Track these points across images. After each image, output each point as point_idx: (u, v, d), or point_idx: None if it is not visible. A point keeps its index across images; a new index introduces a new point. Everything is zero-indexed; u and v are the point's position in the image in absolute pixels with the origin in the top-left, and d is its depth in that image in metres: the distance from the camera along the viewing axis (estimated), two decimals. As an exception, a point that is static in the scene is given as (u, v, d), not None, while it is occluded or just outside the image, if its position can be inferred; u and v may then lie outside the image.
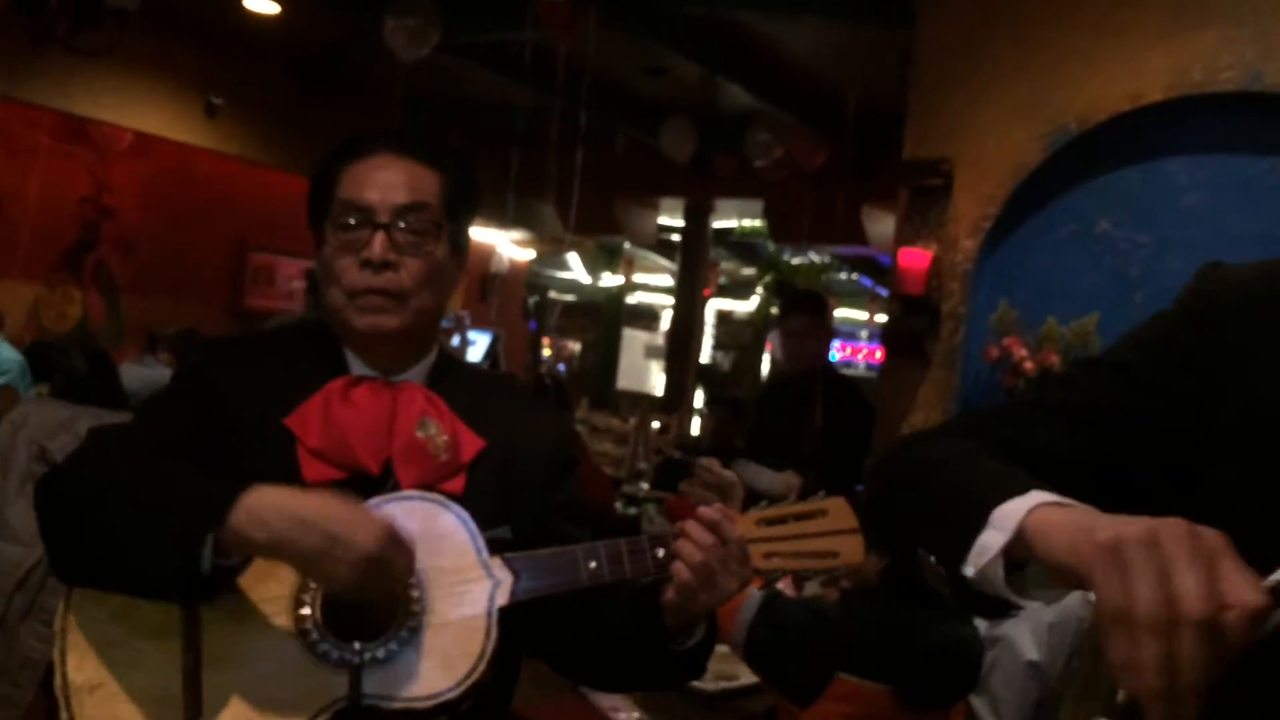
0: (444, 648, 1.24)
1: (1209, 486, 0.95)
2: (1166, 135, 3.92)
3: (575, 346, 14.93)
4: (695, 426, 8.72)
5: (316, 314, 1.95)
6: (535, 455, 1.47)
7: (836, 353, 12.47)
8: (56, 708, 1.24)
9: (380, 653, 1.23)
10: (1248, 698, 0.88)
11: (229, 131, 7.69)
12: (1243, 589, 0.69)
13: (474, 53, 6.62)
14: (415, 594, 1.26)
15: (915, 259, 4.34)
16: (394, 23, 5.41)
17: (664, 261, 11.51)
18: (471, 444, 1.41)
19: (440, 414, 1.41)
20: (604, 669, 1.49)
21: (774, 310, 4.64)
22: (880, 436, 4.50)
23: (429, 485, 1.35)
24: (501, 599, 1.27)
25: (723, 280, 11.71)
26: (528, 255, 10.79)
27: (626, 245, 11.13)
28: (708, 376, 9.66)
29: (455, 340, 7.69)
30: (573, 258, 12.26)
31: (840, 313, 11.91)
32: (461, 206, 1.47)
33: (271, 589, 1.25)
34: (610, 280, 12.79)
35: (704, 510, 1.33)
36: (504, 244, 8.01)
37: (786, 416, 4.25)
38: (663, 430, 7.40)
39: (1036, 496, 0.85)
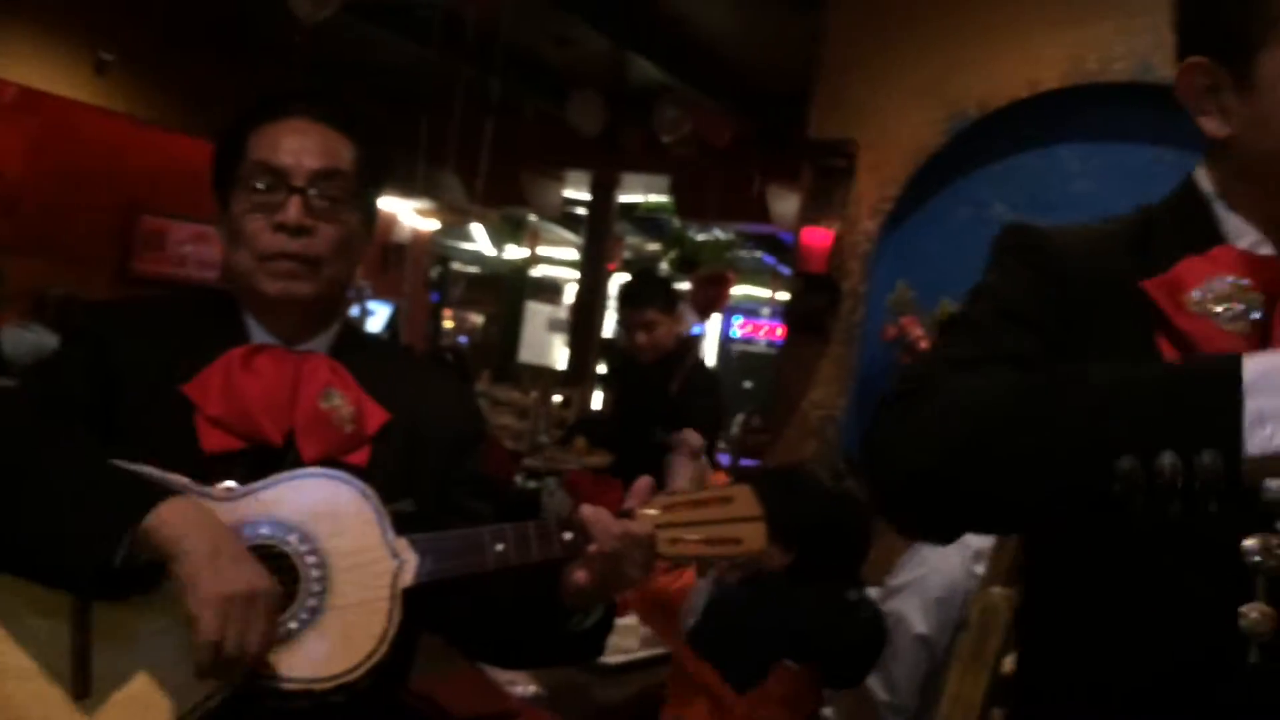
0: (344, 628, 1.23)
1: None
2: (1061, 123, 4.03)
3: (478, 319, 14.81)
4: (597, 400, 8.74)
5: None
6: (440, 429, 1.46)
7: (738, 329, 12.58)
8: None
9: (280, 632, 1.21)
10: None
11: (119, 89, 7.41)
12: None
13: (380, 15, 6.48)
14: (316, 574, 1.24)
15: (818, 238, 4.40)
16: (296, -18, 5.26)
17: (569, 235, 11.47)
18: (376, 416, 1.39)
19: (345, 385, 1.39)
20: (502, 647, 1.49)
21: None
22: (780, 412, 4.57)
23: (332, 457, 1.33)
24: (405, 580, 1.26)
25: (627, 255, 11.70)
26: (431, 225, 10.64)
27: (532, 218, 11.06)
28: (610, 351, 9.66)
29: (355, 310, 7.57)
30: (477, 229, 12.12)
31: (743, 290, 12.01)
32: (374, 176, 1.44)
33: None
34: (515, 253, 12.70)
35: (600, 507, 1.33)
36: (407, 213, 7.85)
37: (644, 391, 4.27)
38: (564, 404, 7.40)
39: (1261, 355, 0.82)
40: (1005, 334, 1.00)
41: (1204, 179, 1.06)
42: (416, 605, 1.27)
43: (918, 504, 0.95)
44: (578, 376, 8.76)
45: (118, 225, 8.59)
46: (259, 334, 1.40)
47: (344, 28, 6.05)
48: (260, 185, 1.36)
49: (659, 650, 2.58)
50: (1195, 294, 0.97)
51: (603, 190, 9.08)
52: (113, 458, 1.22)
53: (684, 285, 9.07)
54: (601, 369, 9.31)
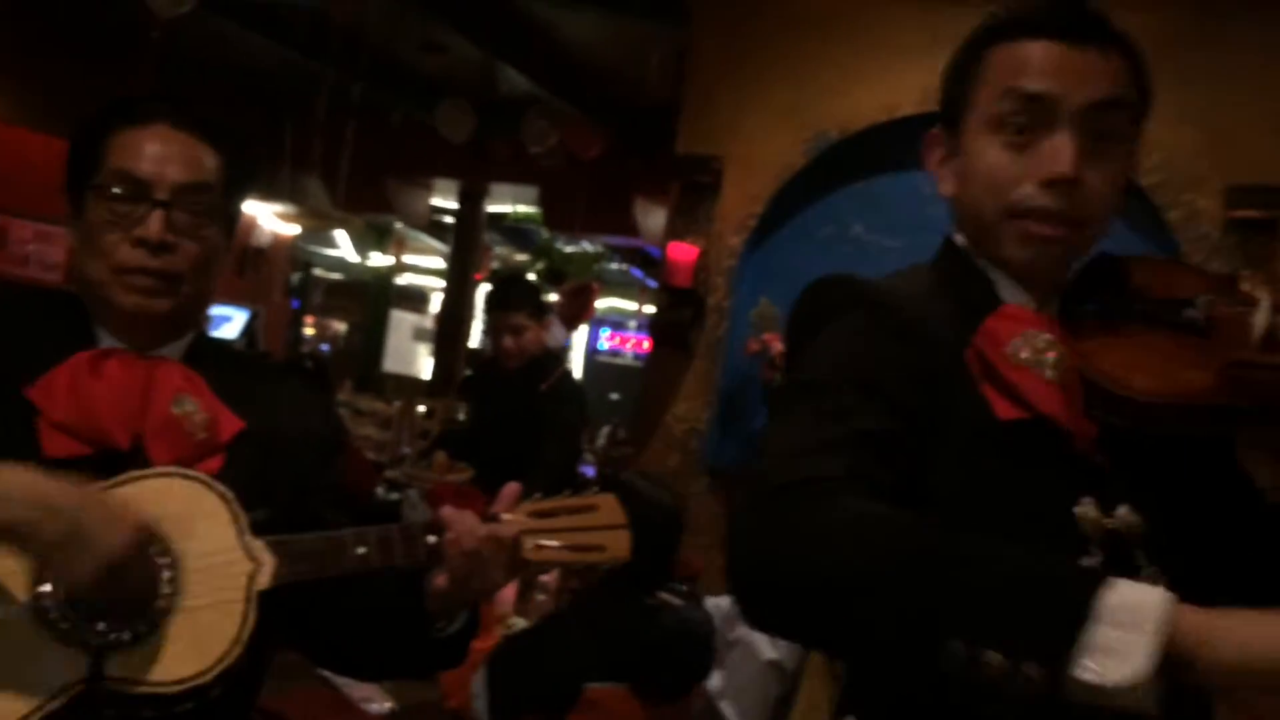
0: (196, 631, 1.19)
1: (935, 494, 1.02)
2: (916, 148, 4.17)
3: (340, 327, 14.51)
4: (462, 412, 8.64)
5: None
6: (298, 438, 1.43)
7: (606, 341, 12.65)
8: None
9: (126, 634, 1.16)
10: None
11: (-44, 79, 7.02)
12: None
13: (240, 13, 6.31)
14: (168, 575, 1.20)
15: (684, 253, 4.46)
16: (152, -24, 5.09)
17: (436, 243, 11.34)
18: (231, 424, 1.35)
19: (199, 392, 1.35)
20: (364, 655, 1.47)
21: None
22: (646, 423, 4.61)
23: (184, 464, 1.29)
24: (262, 582, 1.23)
25: (495, 265, 11.63)
26: (292, 230, 10.39)
27: (398, 225, 10.90)
28: (477, 361, 9.57)
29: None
30: (340, 235, 11.88)
31: (610, 302, 12.08)
32: (239, 188, 1.40)
33: (8, 563, 1.15)
34: (379, 260, 12.48)
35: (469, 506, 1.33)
36: (267, 217, 7.63)
37: (507, 398, 4.18)
38: (428, 415, 7.30)
39: (1128, 585, 0.80)
40: (867, 414, 1.01)
41: (958, 236, 1.22)
42: (274, 612, 1.24)
43: (776, 609, 0.95)
44: (443, 387, 8.66)
45: (-48, 222, 8.14)
46: (106, 340, 1.35)
47: (203, 24, 5.88)
48: (120, 194, 1.31)
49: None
50: (1010, 348, 1.06)
51: (471, 199, 9.01)
52: None
53: (552, 297, 9.07)
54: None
